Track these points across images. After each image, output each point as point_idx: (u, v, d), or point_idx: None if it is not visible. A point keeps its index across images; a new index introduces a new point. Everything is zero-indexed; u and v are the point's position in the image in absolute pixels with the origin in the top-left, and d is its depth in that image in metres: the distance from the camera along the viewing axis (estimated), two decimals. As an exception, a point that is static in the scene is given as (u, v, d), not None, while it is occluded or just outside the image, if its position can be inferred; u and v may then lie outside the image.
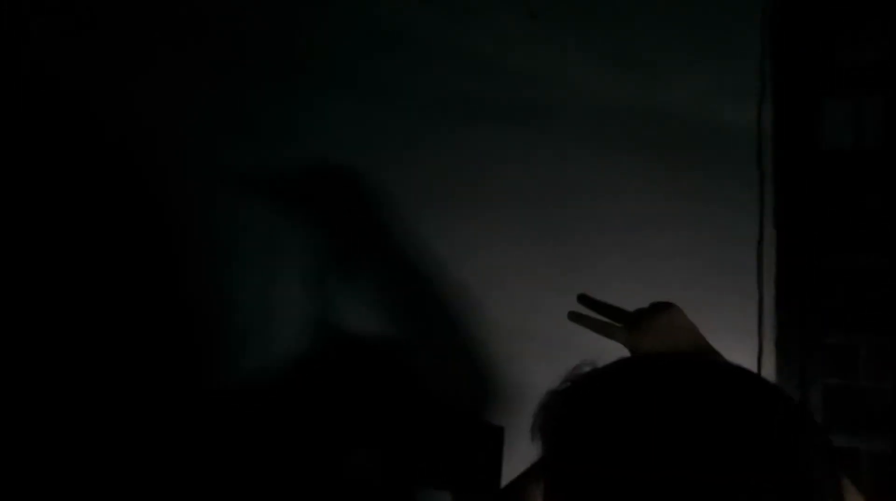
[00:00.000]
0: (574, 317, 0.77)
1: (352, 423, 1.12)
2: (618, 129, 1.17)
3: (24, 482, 1.07)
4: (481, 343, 1.13)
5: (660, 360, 0.48)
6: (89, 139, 1.18)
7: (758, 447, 0.39)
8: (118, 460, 1.09)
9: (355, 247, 1.17)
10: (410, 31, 1.19)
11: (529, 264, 1.15)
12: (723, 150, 1.15)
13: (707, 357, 0.55)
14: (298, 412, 1.12)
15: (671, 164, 1.15)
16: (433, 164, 1.17)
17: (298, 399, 1.12)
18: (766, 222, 1.15)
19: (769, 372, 1.11)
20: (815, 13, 1.26)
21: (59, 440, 1.10)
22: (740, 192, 1.14)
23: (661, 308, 0.69)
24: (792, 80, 1.22)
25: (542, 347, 1.10)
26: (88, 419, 1.10)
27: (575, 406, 0.46)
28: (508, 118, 1.18)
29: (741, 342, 1.11)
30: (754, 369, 1.10)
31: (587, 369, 0.48)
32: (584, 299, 0.78)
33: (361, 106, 1.18)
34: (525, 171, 1.17)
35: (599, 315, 0.76)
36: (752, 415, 0.41)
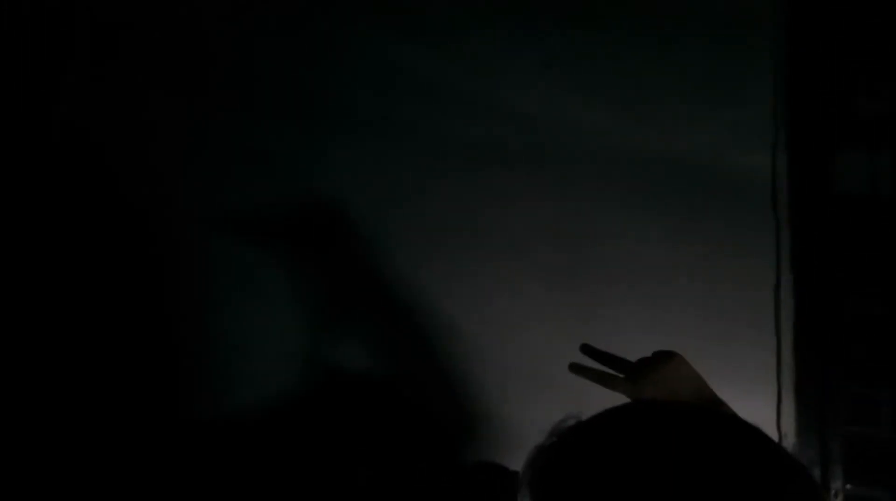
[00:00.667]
0: (575, 369, 0.77)
1: (349, 467, 1.10)
2: (632, 177, 1.18)
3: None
4: (493, 391, 1.12)
5: (644, 410, 0.50)
6: (78, 169, 1.19)
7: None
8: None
9: (354, 291, 1.17)
10: (422, 76, 1.21)
11: (542, 311, 1.15)
12: (738, 197, 1.16)
13: (702, 406, 0.55)
14: (285, 454, 1.10)
15: (686, 211, 1.16)
16: (441, 209, 1.18)
17: (286, 441, 1.11)
18: (783, 268, 1.15)
19: (789, 421, 1.10)
20: (831, 61, 1.28)
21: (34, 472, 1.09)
22: (756, 239, 1.15)
23: (663, 358, 0.70)
24: (807, 127, 1.23)
25: (557, 394, 1.09)
26: (67, 453, 1.09)
27: (559, 462, 0.47)
28: (521, 165, 1.20)
29: (760, 390, 1.10)
30: (773, 418, 1.10)
31: (572, 422, 0.49)
32: (586, 348, 0.79)
33: (368, 149, 1.20)
34: (537, 219, 1.18)
35: (602, 365, 0.77)
36: (737, 469, 0.41)
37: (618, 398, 0.57)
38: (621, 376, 0.72)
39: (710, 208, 1.16)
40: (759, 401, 1.10)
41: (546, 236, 1.18)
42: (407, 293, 1.16)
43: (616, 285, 1.16)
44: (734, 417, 0.49)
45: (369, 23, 1.22)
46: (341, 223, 1.19)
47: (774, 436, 1.09)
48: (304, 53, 1.23)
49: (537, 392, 1.10)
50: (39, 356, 1.12)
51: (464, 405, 1.12)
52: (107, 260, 1.16)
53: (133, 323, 1.15)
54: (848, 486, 1.13)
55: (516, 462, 1.09)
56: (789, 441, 1.10)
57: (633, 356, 0.75)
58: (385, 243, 1.18)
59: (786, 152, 1.19)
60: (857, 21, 1.29)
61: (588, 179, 1.19)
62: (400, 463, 1.10)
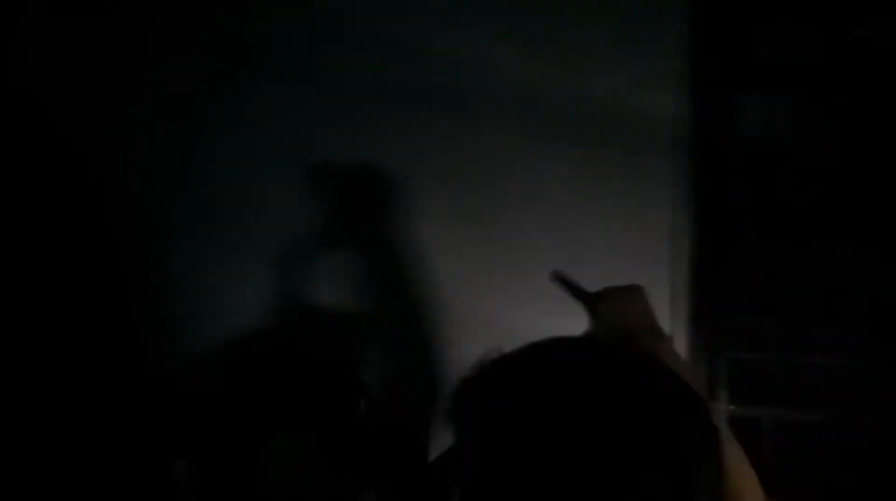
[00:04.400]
0: (556, 277, 0.82)
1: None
2: (540, 117, 1.21)
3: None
4: (411, 321, 1.17)
5: (562, 344, 0.53)
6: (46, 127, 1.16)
7: (640, 436, 0.44)
8: (58, 447, 1.09)
9: (322, 233, 1.20)
10: (338, 17, 1.20)
11: (459, 246, 1.19)
12: (642, 138, 1.21)
13: (618, 344, 0.59)
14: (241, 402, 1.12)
15: (591, 152, 1.21)
16: (364, 150, 1.20)
17: (242, 387, 1.13)
18: (679, 207, 1.21)
19: (680, 348, 1.18)
20: (738, 7, 1.32)
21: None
22: (656, 179, 1.21)
23: (624, 287, 0.76)
24: (711, 71, 1.28)
25: (476, 329, 1.14)
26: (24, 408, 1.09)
27: (478, 391, 0.50)
28: (434, 105, 1.21)
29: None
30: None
31: (494, 356, 0.52)
32: (557, 275, 0.84)
33: (288, 92, 1.20)
34: (451, 157, 1.21)
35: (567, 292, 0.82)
36: (637, 404, 0.45)
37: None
38: (588, 292, 0.77)
39: (614, 149, 1.21)
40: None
41: (458, 176, 1.20)
42: (358, 245, 1.19)
43: (526, 222, 1.20)
44: (646, 355, 0.53)
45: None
46: (286, 172, 1.20)
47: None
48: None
49: (456, 329, 1.15)
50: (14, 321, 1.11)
51: (376, 335, 1.16)
52: (74, 219, 1.16)
53: (102, 283, 1.15)
54: (731, 406, 1.24)
55: (427, 391, 1.15)
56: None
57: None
58: (311, 189, 1.19)
59: (688, 95, 1.23)
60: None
61: (497, 119, 1.21)
62: (313, 396, 1.13)
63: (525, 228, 1.20)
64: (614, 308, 0.74)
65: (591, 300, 0.77)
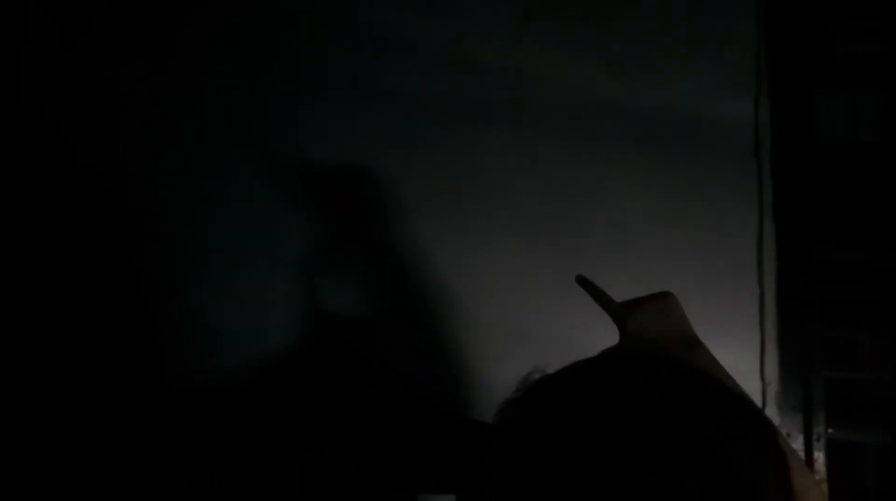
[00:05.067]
0: (582, 281, 0.78)
1: (340, 427, 1.11)
2: (613, 126, 1.16)
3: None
4: (473, 345, 1.12)
5: (610, 362, 0.51)
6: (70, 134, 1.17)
7: (701, 464, 0.40)
8: (88, 463, 1.08)
9: (340, 247, 1.17)
10: (401, 32, 1.18)
11: (523, 265, 1.14)
12: (719, 145, 1.15)
13: (667, 356, 0.57)
14: (280, 415, 1.11)
15: (668, 161, 1.15)
16: (422, 165, 1.16)
17: (279, 401, 1.11)
18: (765, 216, 1.14)
19: (772, 368, 1.10)
20: (813, 4, 1.25)
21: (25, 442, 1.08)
22: (738, 187, 1.14)
23: (653, 295, 0.71)
24: (789, 72, 1.21)
25: (537, 346, 1.10)
26: (55, 421, 1.09)
27: (523, 415, 0.48)
28: (501, 118, 1.17)
29: (743, 339, 1.10)
30: (756, 366, 1.10)
31: (537, 376, 0.50)
32: (581, 280, 0.80)
33: (349, 106, 1.18)
34: (519, 171, 1.16)
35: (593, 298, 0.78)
36: (695, 422, 0.42)
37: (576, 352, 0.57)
38: (616, 302, 0.73)
39: (692, 158, 1.15)
40: (742, 350, 1.10)
41: (527, 191, 1.16)
42: (388, 252, 1.15)
43: (597, 239, 1.15)
44: (702, 371, 0.50)
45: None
46: (324, 185, 1.17)
47: (758, 385, 1.10)
48: (279, 13, 1.19)
49: (517, 348, 1.10)
50: (24, 328, 1.11)
51: (443, 363, 1.12)
52: (86, 234, 1.14)
53: (116, 296, 1.13)
54: (830, 430, 1.15)
55: (483, 413, 1.10)
56: (773, 389, 1.11)
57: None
58: (366, 203, 1.16)
59: (768, 98, 1.17)
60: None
61: (568, 132, 1.16)
62: (379, 423, 1.10)
63: (598, 244, 1.15)
64: (644, 318, 0.69)
65: (618, 311, 0.72)
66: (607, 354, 0.51)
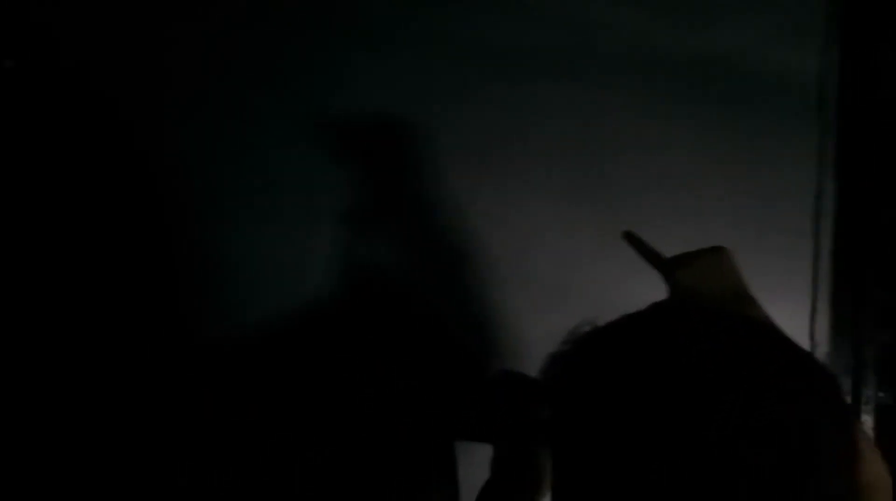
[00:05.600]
0: (628, 236, 0.77)
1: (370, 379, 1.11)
2: (667, 80, 1.12)
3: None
4: (514, 302, 1.12)
5: (661, 313, 0.49)
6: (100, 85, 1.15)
7: (758, 413, 0.39)
8: (112, 423, 1.07)
9: (376, 201, 1.15)
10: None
11: (570, 220, 1.13)
12: (780, 99, 1.10)
13: (726, 310, 0.54)
14: (280, 415, 1.09)
15: (723, 116, 1.11)
16: (465, 119, 1.14)
17: (305, 353, 1.10)
18: (825, 173, 1.10)
19: (822, 330, 1.08)
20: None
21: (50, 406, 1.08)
22: (798, 143, 1.10)
23: (705, 250, 0.69)
24: (860, 21, 1.15)
25: (581, 303, 1.09)
26: (78, 381, 1.08)
27: (573, 368, 0.47)
28: (550, 69, 1.14)
29: (794, 295, 1.08)
30: (806, 326, 1.08)
31: (587, 328, 0.49)
32: (628, 236, 0.78)
33: (390, 59, 1.15)
34: (563, 128, 1.13)
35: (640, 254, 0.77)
36: (761, 379, 0.40)
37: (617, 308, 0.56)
38: (665, 257, 0.72)
39: (748, 112, 1.10)
40: (792, 308, 1.08)
41: (573, 146, 1.14)
42: (428, 204, 1.14)
43: (647, 193, 1.12)
44: (761, 322, 0.48)
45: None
46: (363, 137, 1.15)
47: (806, 345, 1.08)
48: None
49: (558, 303, 1.10)
50: (43, 288, 1.10)
51: (484, 316, 1.12)
52: (113, 187, 1.12)
53: (139, 250, 1.12)
54: (881, 394, 1.13)
55: (536, 371, 1.11)
56: (822, 350, 1.09)
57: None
58: (407, 155, 1.15)
59: (836, 51, 1.11)
60: None
61: (620, 85, 1.13)
62: (419, 377, 1.11)
63: (649, 200, 1.12)
64: (695, 275, 0.67)
65: (667, 266, 0.70)
66: (656, 307, 0.49)
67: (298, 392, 1.10)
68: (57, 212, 1.11)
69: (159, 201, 1.14)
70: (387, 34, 1.16)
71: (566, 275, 1.12)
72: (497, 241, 1.13)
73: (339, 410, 1.10)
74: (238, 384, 1.10)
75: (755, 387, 0.40)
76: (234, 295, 1.11)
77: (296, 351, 1.11)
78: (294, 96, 1.15)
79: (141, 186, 1.14)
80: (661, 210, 1.12)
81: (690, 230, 1.09)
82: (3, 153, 1.12)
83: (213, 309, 1.12)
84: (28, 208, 1.11)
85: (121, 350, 1.08)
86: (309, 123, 1.15)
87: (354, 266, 1.15)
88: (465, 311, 1.13)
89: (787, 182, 1.10)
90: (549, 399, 0.48)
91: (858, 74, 1.13)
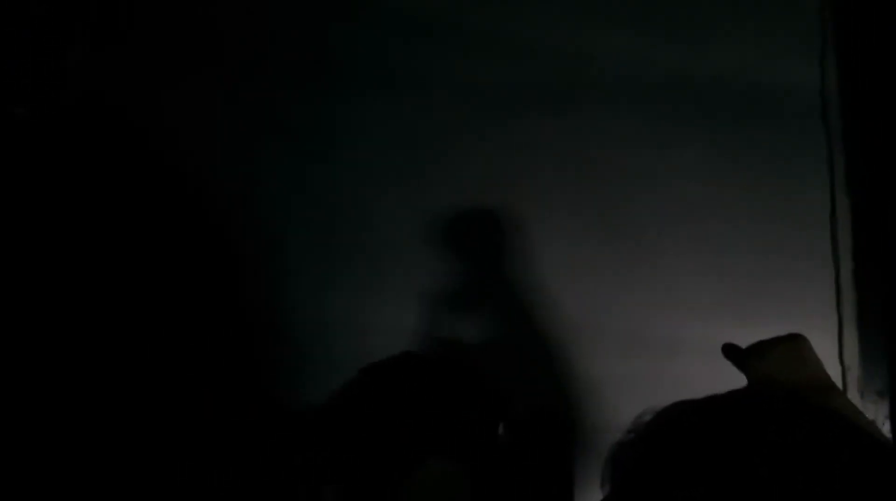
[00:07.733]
0: (727, 351, 0.75)
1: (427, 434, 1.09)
2: (670, 104, 1.11)
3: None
4: (549, 339, 1.09)
5: (726, 402, 0.47)
6: (125, 151, 1.17)
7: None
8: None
9: (405, 249, 1.14)
10: (444, 20, 1.15)
11: (593, 259, 1.10)
12: (786, 115, 1.08)
13: (797, 396, 0.52)
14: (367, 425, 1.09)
15: (730, 138, 1.09)
16: (478, 159, 1.13)
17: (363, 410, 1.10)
18: (837, 191, 1.07)
19: (852, 353, 1.04)
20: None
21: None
22: (808, 163, 1.07)
23: (784, 337, 0.66)
24: (857, 35, 1.13)
25: (611, 341, 1.07)
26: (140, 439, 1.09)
27: (638, 458, 0.46)
28: (555, 103, 1.13)
29: (819, 324, 1.04)
30: (835, 351, 1.04)
31: (649, 417, 0.48)
32: (727, 348, 0.76)
33: (397, 102, 1.15)
34: (577, 157, 1.12)
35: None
36: (832, 475, 0.39)
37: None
38: (738, 350, 0.69)
39: (755, 130, 1.08)
40: (818, 334, 1.04)
41: (587, 177, 1.12)
42: (457, 246, 1.14)
43: (664, 225, 1.10)
44: (834, 412, 0.46)
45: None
46: (379, 182, 1.15)
47: (837, 369, 1.03)
48: (319, 9, 1.18)
49: (591, 340, 1.07)
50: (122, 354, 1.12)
51: (516, 358, 1.10)
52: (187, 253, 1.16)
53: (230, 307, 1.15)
54: (917, 416, 1.07)
55: (570, 411, 1.06)
56: (853, 374, 1.04)
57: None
58: (418, 199, 1.14)
59: (835, 64, 1.09)
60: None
61: (624, 112, 1.12)
62: (456, 415, 1.09)
63: (666, 231, 1.09)
64: (770, 365, 0.64)
65: (741, 357, 0.67)
66: (727, 396, 0.48)
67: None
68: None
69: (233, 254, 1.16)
70: (399, 76, 1.15)
71: (591, 314, 1.10)
72: (526, 283, 1.11)
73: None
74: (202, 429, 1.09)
75: (828, 488, 0.38)
76: (333, 355, 1.12)
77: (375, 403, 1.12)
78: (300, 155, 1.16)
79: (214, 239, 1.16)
80: (676, 240, 1.10)
81: (710, 256, 1.07)
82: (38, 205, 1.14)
83: (313, 371, 1.12)
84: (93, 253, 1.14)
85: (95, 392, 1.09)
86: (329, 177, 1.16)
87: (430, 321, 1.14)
88: (499, 352, 1.12)
89: (801, 203, 1.07)
90: (612, 487, 0.48)
91: (859, 82, 1.11)
